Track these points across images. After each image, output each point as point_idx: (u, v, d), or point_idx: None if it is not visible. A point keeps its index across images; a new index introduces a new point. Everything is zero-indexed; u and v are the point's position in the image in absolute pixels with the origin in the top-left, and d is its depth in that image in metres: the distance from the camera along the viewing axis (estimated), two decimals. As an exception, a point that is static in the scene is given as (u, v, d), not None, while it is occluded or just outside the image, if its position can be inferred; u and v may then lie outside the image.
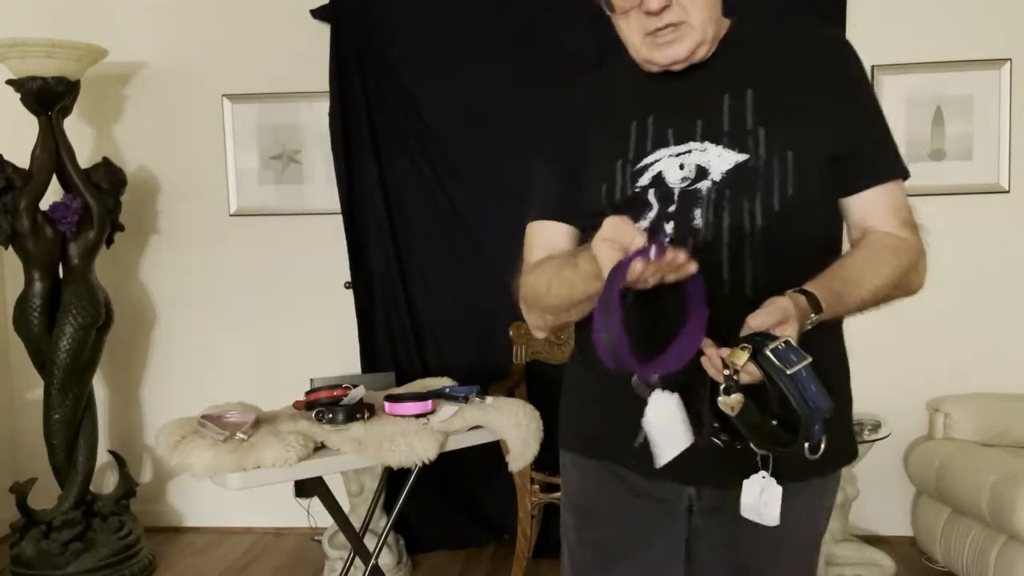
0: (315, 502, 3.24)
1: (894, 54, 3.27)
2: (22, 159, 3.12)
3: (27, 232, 3.05)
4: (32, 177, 3.09)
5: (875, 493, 3.32)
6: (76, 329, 3.09)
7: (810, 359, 1.05)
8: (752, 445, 1.11)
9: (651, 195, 1.27)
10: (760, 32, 1.35)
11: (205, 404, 2.40)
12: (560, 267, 1.26)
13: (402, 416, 2.36)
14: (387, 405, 2.39)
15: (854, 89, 1.29)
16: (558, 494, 2.87)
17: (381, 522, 2.94)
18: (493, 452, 2.59)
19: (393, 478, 2.61)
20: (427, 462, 2.24)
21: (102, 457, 3.39)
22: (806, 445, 1.06)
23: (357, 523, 2.70)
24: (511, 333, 3.28)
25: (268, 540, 3.62)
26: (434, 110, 3.36)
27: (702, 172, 1.25)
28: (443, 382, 2.78)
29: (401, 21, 3.34)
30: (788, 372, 1.02)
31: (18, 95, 3.10)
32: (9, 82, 3.11)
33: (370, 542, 2.60)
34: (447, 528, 3.46)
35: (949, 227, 3.33)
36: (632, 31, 1.30)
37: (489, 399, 2.50)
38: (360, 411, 2.31)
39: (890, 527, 3.40)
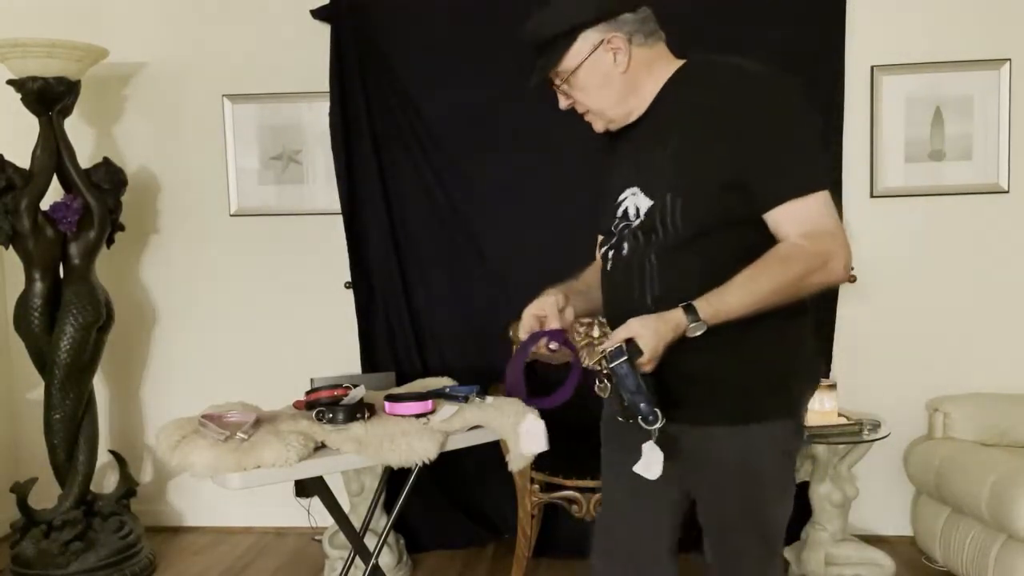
0: (315, 502, 3.25)
1: (894, 54, 3.28)
2: (23, 159, 3.12)
3: (28, 232, 3.06)
4: (33, 177, 3.09)
5: (875, 493, 3.33)
6: (76, 329, 3.09)
7: (625, 358, 1.43)
8: (619, 417, 1.50)
9: (615, 227, 1.64)
10: (690, 77, 1.60)
11: (205, 404, 2.40)
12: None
13: (402, 416, 2.36)
14: (387, 405, 2.39)
15: (750, 126, 1.49)
16: (558, 494, 2.89)
17: (381, 522, 2.95)
18: (493, 452, 2.59)
19: (393, 478, 2.61)
20: (427, 462, 2.24)
21: (102, 457, 3.40)
22: (639, 419, 1.45)
23: (357, 523, 2.70)
24: (511, 333, 3.28)
25: (268, 540, 3.62)
26: (434, 110, 3.37)
27: (636, 212, 1.59)
28: (443, 382, 2.77)
29: (401, 21, 3.35)
30: (610, 365, 1.43)
31: (19, 95, 3.11)
32: (10, 82, 3.11)
33: (370, 542, 2.60)
34: (447, 528, 3.47)
35: (949, 227, 3.33)
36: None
37: (489, 399, 2.50)
38: (360, 411, 2.31)
39: (890, 527, 3.41)
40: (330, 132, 3.39)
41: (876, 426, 2.96)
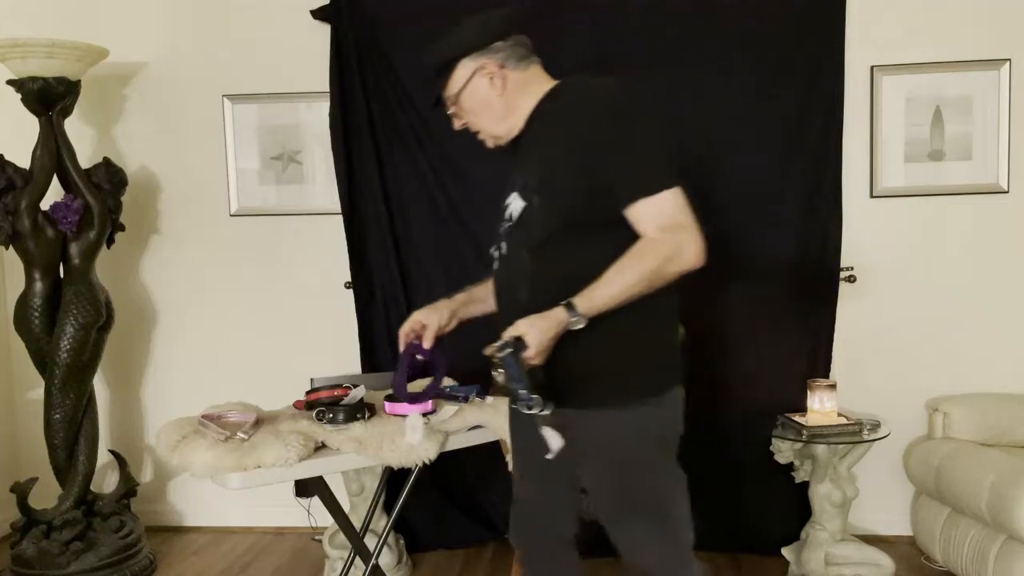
0: (315, 502, 3.25)
1: (894, 54, 3.28)
2: (23, 159, 3.12)
3: (28, 232, 3.06)
4: (33, 177, 3.09)
5: (874, 493, 3.33)
6: (77, 329, 3.09)
7: (511, 350, 1.63)
8: (511, 404, 1.79)
9: (501, 228, 1.87)
10: (554, 95, 1.82)
11: (205, 404, 2.41)
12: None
13: (402, 416, 2.36)
14: (387, 405, 2.39)
15: (595, 137, 1.69)
16: (558, 494, 2.88)
17: (381, 522, 2.95)
18: (493, 452, 2.59)
19: (393, 478, 2.62)
20: (427, 462, 2.25)
21: (103, 457, 3.40)
22: (522, 405, 1.66)
23: (357, 523, 2.71)
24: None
25: (268, 540, 3.62)
26: (434, 110, 3.35)
27: (512, 215, 1.82)
28: (443, 382, 2.78)
29: (401, 21, 3.35)
30: (494, 356, 1.65)
31: (19, 95, 3.11)
32: (10, 82, 3.11)
33: (370, 542, 2.60)
34: (447, 528, 3.47)
35: (949, 227, 3.33)
36: None
37: (489, 399, 2.50)
38: (360, 411, 2.31)
39: (889, 527, 3.41)
40: (330, 132, 3.39)
41: (876, 426, 2.96)
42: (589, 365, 1.75)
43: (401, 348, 2.02)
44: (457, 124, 1.91)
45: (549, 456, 1.70)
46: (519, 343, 1.64)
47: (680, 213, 1.68)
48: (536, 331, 1.64)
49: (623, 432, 1.77)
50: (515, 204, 1.82)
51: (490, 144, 1.90)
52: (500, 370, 1.66)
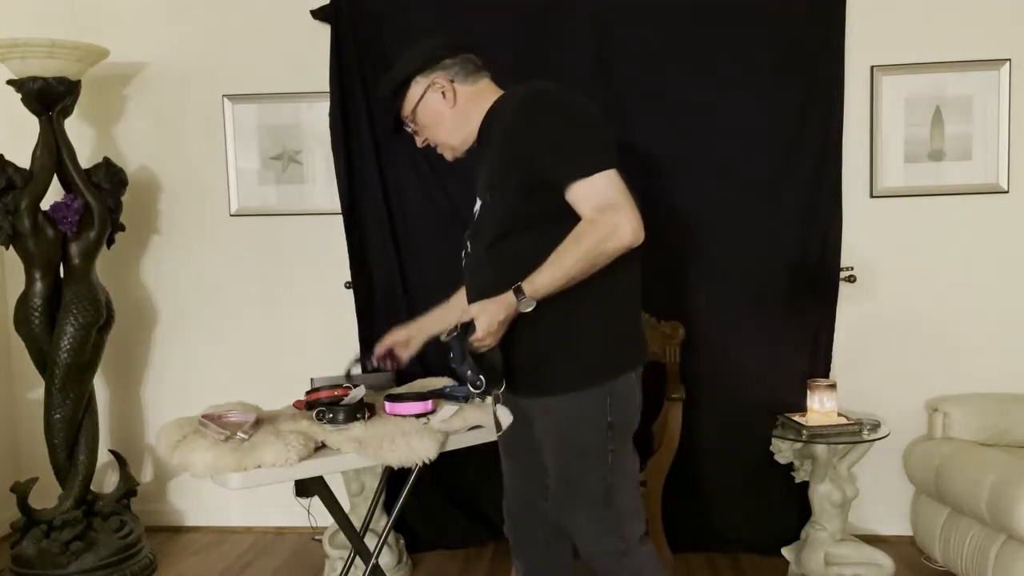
0: (315, 502, 3.25)
1: (894, 54, 3.28)
2: (23, 159, 3.12)
3: (28, 232, 3.06)
4: (33, 177, 3.10)
5: (874, 493, 3.33)
6: (77, 329, 3.09)
7: (456, 334, 1.75)
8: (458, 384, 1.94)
9: (468, 232, 2.00)
10: (495, 106, 1.93)
11: (205, 404, 2.41)
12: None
13: (402, 416, 2.36)
14: (387, 405, 2.39)
15: (522, 133, 1.82)
16: (558, 494, 2.88)
17: (381, 522, 2.95)
18: (493, 452, 2.59)
19: (393, 478, 2.62)
20: (427, 462, 2.25)
21: (103, 457, 3.40)
22: (468, 386, 1.77)
23: (357, 523, 2.71)
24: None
25: (268, 540, 3.62)
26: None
27: (474, 215, 1.97)
28: (443, 382, 2.78)
29: (401, 21, 3.35)
30: (443, 339, 1.78)
31: (19, 95, 3.11)
32: (10, 82, 3.11)
33: (370, 542, 2.60)
34: (447, 528, 3.47)
35: (949, 227, 3.33)
36: None
37: (489, 399, 2.50)
38: (360, 411, 2.31)
39: (889, 527, 3.41)
40: (330, 132, 3.40)
41: (876, 426, 2.96)
42: (539, 352, 1.86)
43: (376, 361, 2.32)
44: (419, 142, 2.03)
45: (499, 434, 1.90)
46: (468, 327, 1.74)
47: (614, 193, 1.75)
48: (487, 315, 1.74)
49: (571, 417, 1.87)
50: (477, 204, 1.97)
51: (449, 156, 2.03)
52: (450, 354, 1.76)
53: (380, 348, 2.29)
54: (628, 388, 1.90)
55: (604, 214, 1.73)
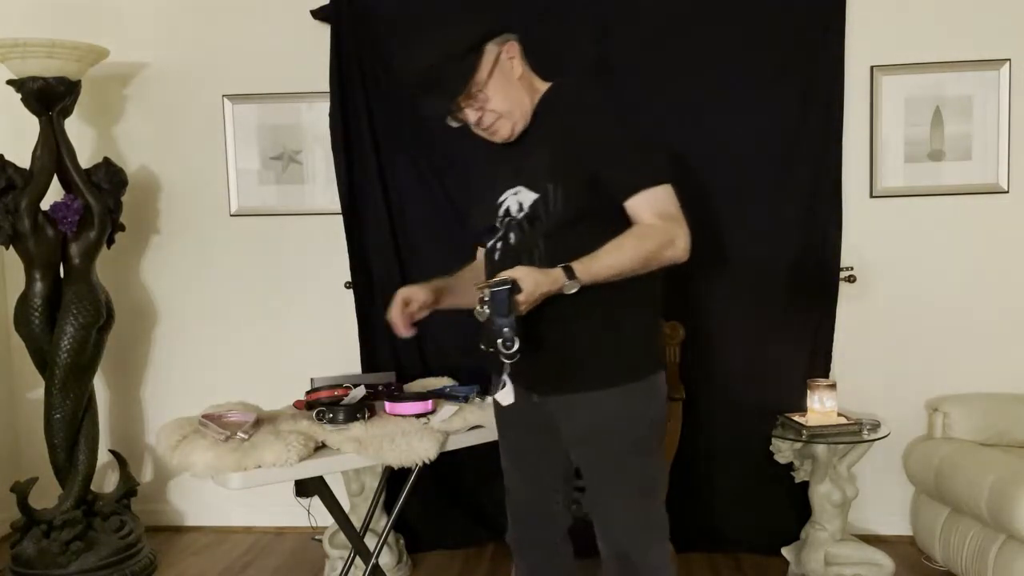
0: (315, 502, 3.25)
1: (894, 54, 3.28)
2: (23, 159, 3.12)
3: (28, 232, 3.06)
4: (33, 177, 3.10)
5: (874, 493, 3.33)
6: (77, 329, 3.09)
7: (507, 287, 1.64)
8: (482, 345, 1.70)
9: (499, 222, 1.92)
10: (555, 96, 1.91)
11: (205, 404, 2.41)
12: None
13: (402, 416, 2.36)
14: (387, 405, 2.40)
15: (594, 131, 1.81)
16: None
17: (381, 521, 2.95)
18: (493, 452, 2.59)
19: (393, 478, 2.62)
20: (427, 462, 2.25)
21: (103, 456, 3.40)
22: (500, 343, 1.65)
23: (357, 522, 2.71)
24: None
25: (268, 540, 3.62)
26: (442, 109, 3.35)
27: (520, 207, 1.87)
28: (443, 382, 2.78)
29: (401, 21, 3.34)
30: (492, 290, 1.65)
31: (19, 95, 3.11)
32: (10, 82, 3.11)
33: (370, 541, 2.60)
34: (447, 528, 3.47)
35: (949, 227, 3.33)
36: (475, 129, 1.93)
37: (489, 399, 2.50)
38: (360, 411, 2.31)
39: (889, 527, 3.41)
40: (330, 132, 3.39)
41: (876, 426, 2.96)
42: (582, 348, 1.84)
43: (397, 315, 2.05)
44: (474, 116, 1.88)
45: (505, 403, 1.85)
46: (514, 285, 1.67)
47: (674, 206, 1.80)
48: (532, 280, 1.68)
49: (616, 412, 1.86)
50: (520, 198, 1.87)
51: (504, 134, 1.90)
52: (486, 306, 1.66)
53: (401, 314, 2.05)
54: (661, 384, 1.93)
55: (666, 223, 1.77)
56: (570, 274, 1.71)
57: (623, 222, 1.80)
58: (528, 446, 2.04)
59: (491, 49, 1.84)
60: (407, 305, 2.03)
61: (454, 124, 1.92)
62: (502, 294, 1.66)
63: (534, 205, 1.84)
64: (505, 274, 1.70)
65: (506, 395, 1.85)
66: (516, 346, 1.65)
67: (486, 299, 1.66)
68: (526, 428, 2.00)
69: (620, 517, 1.92)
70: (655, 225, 1.77)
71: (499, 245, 1.92)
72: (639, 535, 1.92)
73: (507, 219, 1.90)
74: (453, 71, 1.81)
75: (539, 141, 1.89)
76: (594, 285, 1.73)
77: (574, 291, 1.71)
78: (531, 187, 1.86)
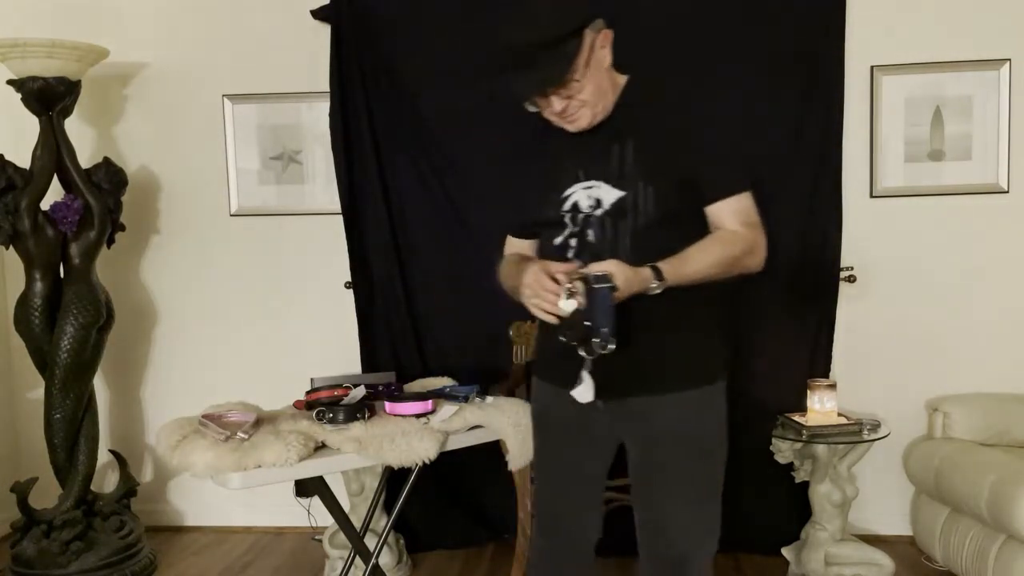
0: (315, 502, 3.25)
1: (894, 54, 3.28)
2: (23, 159, 3.12)
3: (28, 232, 3.06)
4: (33, 177, 3.10)
5: (874, 493, 3.33)
6: (77, 329, 3.09)
7: (609, 285, 1.58)
8: (562, 336, 1.64)
9: (567, 218, 1.82)
10: (640, 89, 1.85)
11: (205, 404, 2.41)
12: (513, 268, 1.89)
13: (402, 416, 2.36)
14: (387, 405, 2.40)
15: (693, 132, 1.80)
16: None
17: (381, 521, 2.95)
18: (493, 452, 2.60)
19: (393, 478, 2.62)
20: (427, 462, 2.25)
21: (103, 456, 3.40)
22: (596, 342, 1.58)
23: (357, 523, 2.71)
24: (511, 333, 3.28)
25: (268, 540, 3.62)
26: (434, 110, 3.37)
27: (599, 203, 1.79)
28: (443, 382, 2.78)
29: (401, 21, 3.35)
30: (594, 285, 1.58)
31: (19, 95, 3.11)
32: (10, 82, 3.11)
33: (370, 542, 2.60)
34: (447, 528, 3.47)
35: (949, 227, 3.33)
36: (548, 113, 1.81)
37: (489, 399, 2.51)
38: (360, 411, 2.31)
39: (889, 526, 3.41)
40: (330, 132, 3.40)
41: (876, 426, 2.96)
42: (668, 349, 1.81)
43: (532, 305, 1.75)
44: (560, 105, 1.76)
45: (584, 401, 1.74)
46: (603, 280, 1.59)
47: (756, 215, 1.81)
48: (624, 278, 1.63)
49: (695, 413, 1.84)
50: (598, 193, 1.78)
51: (583, 123, 1.79)
52: (576, 298, 1.58)
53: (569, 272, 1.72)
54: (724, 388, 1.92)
55: (751, 232, 1.78)
56: (658, 275, 1.68)
57: (703, 225, 1.80)
58: (575, 457, 1.95)
59: (588, 35, 1.74)
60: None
61: (531, 109, 1.80)
62: (605, 292, 1.57)
63: (620, 203, 1.76)
64: (598, 267, 1.63)
65: (584, 392, 1.74)
66: (612, 346, 1.59)
67: (577, 292, 1.59)
68: (577, 433, 1.92)
69: (685, 521, 1.86)
70: (740, 232, 1.77)
71: (573, 242, 1.82)
72: (702, 539, 1.88)
73: (578, 214, 1.80)
74: (556, 54, 1.69)
75: (619, 136, 1.80)
76: (675, 287, 1.70)
77: (656, 292, 1.69)
78: (615, 184, 1.77)
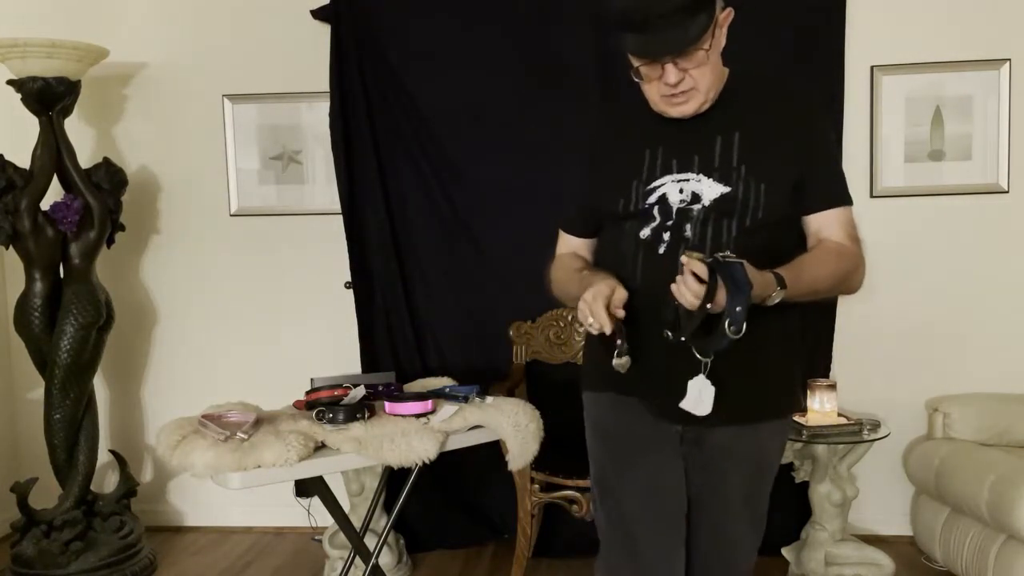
0: (315, 502, 3.26)
1: (894, 54, 3.28)
2: (23, 159, 3.12)
3: (28, 232, 3.06)
4: (33, 177, 3.10)
5: (874, 493, 3.33)
6: (77, 329, 3.09)
7: (741, 262, 1.44)
8: (682, 332, 1.51)
9: (655, 210, 1.67)
10: (748, 83, 1.71)
11: (205, 404, 2.41)
12: (572, 274, 1.77)
13: (402, 416, 2.36)
14: (387, 405, 2.39)
15: (814, 136, 1.70)
16: (558, 494, 2.89)
17: (381, 521, 2.95)
18: (493, 452, 2.60)
19: (393, 478, 2.62)
20: (427, 462, 2.25)
21: (103, 457, 3.40)
22: (728, 325, 1.43)
23: (357, 523, 2.71)
24: (511, 333, 3.29)
25: (268, 540, 3.62)
26: (434, 110, 3.37)
27: (696, 197, 1.65)
28: (443, 382, 2.78)
29: (401, 21, 3.35)
30: (729, 261, 1.45)
31: (19, 95, 3.11)
32: (10, 82, 3.11)
33: (370, 542, 2.60)
34: (447, 528, 3.47)
35: (949, 227, 3.33)
36: (652, 91, 1.64)
37: (489, 399, 2.51)
38: (360, 411, 2.31)
39: (889, 527, 3.41)
40: (330, 132, 3.39)
41: (876, 426, 2.96)
42: (769, 374, 1.72)
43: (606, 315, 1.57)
44: (675, 76, 1.57)
45: (701, 414, 1.60)
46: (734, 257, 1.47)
47: (858, 231, 1.70)
48: (752, 275, 1.48)
49: (778, 441, 1.81)
50: (703, 186, 1.64)
51: (691, 108, 1.63)
52: (717, 283, 1.42)
53: (606, 315, 1.56)
54: None
55: (857, 247, 1.67)
56: (781, 282, 1.52)
57: (801, 234, 1.70)
58: (670, 480, 1.76)
59: (718, 6, 1.58)
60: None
61: (636, 79, 1.63)
62: (738, 266, 1.42)
63: (724, 200, 1.62)
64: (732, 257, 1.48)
65: (701, 401, 1.58)
66: (742, 332, 1.43)
67: (702, 277, 1.43)
68: (663, 446, 1.75)
69: (750, 544, 1.83)
70: (848, 246, 1.65)
71: (666, 236, 1.65)
72: (752, 561, 1.86)
73: (668, 207, 1.65)
74: (694, 16, 1.52)
75: (724, 128, 1.66)
76: (782, 303, 1.54)
77: (773, 303, 1.53)
78: (718, 178, 1.63)
